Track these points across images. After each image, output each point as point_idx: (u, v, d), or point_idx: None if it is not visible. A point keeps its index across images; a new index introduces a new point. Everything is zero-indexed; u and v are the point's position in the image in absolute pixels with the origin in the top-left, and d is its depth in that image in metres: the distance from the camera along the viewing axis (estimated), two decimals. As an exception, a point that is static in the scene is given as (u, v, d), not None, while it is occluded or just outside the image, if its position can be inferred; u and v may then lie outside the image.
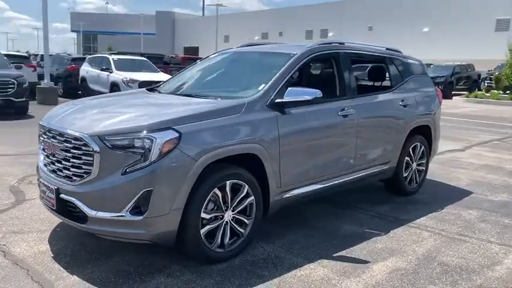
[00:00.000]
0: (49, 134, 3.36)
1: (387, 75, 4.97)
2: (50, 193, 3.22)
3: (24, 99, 11.23)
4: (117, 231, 3.01)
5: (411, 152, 5.12)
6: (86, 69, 15.88)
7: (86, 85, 15.56)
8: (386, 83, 5.03)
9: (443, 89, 22.85)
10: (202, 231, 3.17)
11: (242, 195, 3.38)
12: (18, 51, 31.51)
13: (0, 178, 5.37)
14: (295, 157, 3.76)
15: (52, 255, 3.39)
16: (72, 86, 16.85)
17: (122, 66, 14.18)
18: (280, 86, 3.69)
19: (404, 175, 5.10)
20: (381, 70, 5.09)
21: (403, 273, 3.28)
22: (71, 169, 3.12)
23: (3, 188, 4.98)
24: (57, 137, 3.24)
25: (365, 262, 3.45)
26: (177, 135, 2.97)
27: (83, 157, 3.03)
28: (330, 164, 4.11)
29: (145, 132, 2.94)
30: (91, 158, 2.98)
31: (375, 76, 5.20)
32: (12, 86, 11.05)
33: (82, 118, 3.32)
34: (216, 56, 4.84)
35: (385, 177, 4.96)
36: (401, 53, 5.39)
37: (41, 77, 15.40)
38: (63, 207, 3.16)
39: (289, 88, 3.66)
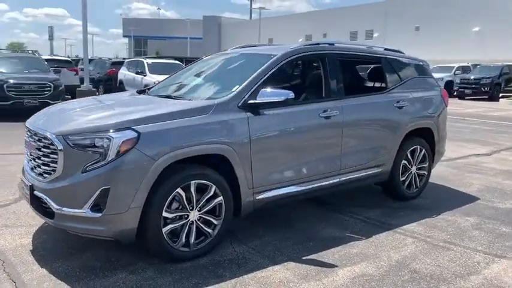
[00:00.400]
0: (28, 133, 3.55)
1: (382, 76, 4.83)
2: (26, 190, 3.40)
3: (60, 101, 11.83)
4: (80, 228, 3.14)
5: (409, 155, 4.95)
6: (124, 73, 16.49)
7: (123, 88, 16.15)
8: (382, 84, 4.88)
9: (489, 90, 21.83)
10: (165, 230, 3.23)
11: (209, 196, 3.42)
12: (77, 56, 33.38)
13: (13, 175, 5.69)
14: (269, 158, 3.75)
15: (31, 248, 3.58)
16: (112, 89, 17.52)
17: (155, 69, 14.60)
18: (255, 87, 3.70)
19: (402, 179, 4.93)
20: (374, 71, 4.96)
21: (368, 279, 3.19)
22: (42, 167, 3.28)
23: (12, 185, 5.28)
24: (33, 136, 3.42)
25: (332, 266, 3.38)
26: (135, 135, 3.06)
27: (51, 155, 3.19)
28: (311, 166, 4.06)
29: (103, 132, 3.05)
30: (56, 156, 3.13)
31: (368, 77, 5.07)
32: (49, 88, 11.71)
33: (56, 118, 3.49)
34: (208, 58, 4.91)
35: (379, 181, 4.82)
36: (402, 53, 5.23)
37: (83, 80, 16.16)
38: (37, 203, 3.33)
39: (262, 89, 3.66)
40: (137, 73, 14.89)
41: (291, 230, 4.08)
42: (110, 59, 23.18)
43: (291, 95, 3.64)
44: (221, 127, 3.45)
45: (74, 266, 3.28)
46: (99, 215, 3.03)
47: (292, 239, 3.87)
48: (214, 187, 3.42)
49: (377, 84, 4.91)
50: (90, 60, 24.70)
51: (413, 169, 5.04)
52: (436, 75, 24.15)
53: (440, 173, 6.44)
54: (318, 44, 4.41)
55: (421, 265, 3.43)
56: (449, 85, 23.61)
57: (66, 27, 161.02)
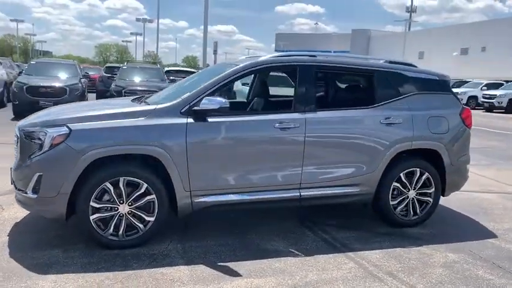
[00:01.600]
0: None
1: (373, 90, 4.48)
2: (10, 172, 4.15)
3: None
4: (26, 206, 3.75)
5: (404, 178, 4.49)
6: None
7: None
8: (371, 98, 4.52)
9: None
10: (92, 217, 3.63)
11: (139, 193, 3.72)
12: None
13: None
14: (210, 164, 3.88)
15: (17, 220, 4.32)
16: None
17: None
18: (203, 95, 3.89)
19: (393, 203, 4.50)
20: (364, 85, 4.63)
21: (254, 293, 3.13)
22: (15, 153, 3.99)
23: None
24: None
25: (236, 275, 3.38)
26: (67, 131, 3.54)
27: (16, 144, 3.87)
28: (262, 177, 4.04)
29: (44, 126, 3.61)
30: (17, 145, 3.79)
31: (356, 91, 4.73)
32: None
33: (34, 116, 4.18)
34: (208, 67, 5.21)
35: (360, 202, 4.50)
36: (412, 67, 4.78)
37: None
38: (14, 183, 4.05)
39: (205, 97, 3.84)
40: (243, 84, 15.78)
41: (239, 238, 4.12)
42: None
43: (224, 103, 3.75)
44: (155, 130, 3.72)
45: (32, 239, 3.90)
46: (35, 196, 3.58)
47: (230, 246, 3.92)
48: (145, 185, 3.71)
49: (365, 99, 4.56)
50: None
51: (411, 194, 4.56)
52: None
53: (485, 204, 5.63)
54: (291, 56, 4.37)
55: (327, 290, 3.20)
56: None
57: (234, 42, 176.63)
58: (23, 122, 3.94)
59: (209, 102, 3.79)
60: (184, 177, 3.80)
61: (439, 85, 4.77)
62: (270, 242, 4.07)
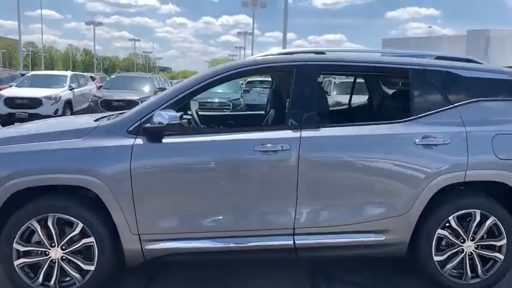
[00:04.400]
0: None
1: (406, 97, 3.17)
2: None
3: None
4: None
5: (454, 223, 3.10)
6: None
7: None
8: (404, 108, 3.19)
9: None
10: (17, 263, 2.91)
11: (73, 234, 2.92)
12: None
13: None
14: (164, 199, 2.96)
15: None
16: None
17: (339, 89, 14.13)
18: (158, 108, 2.99)
19: (438, 259, 3.12)
20: (389, 90, 3.30)
21: None
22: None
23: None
24: None
25: None
26: None
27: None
28: (238, 218, 2.99)
29: None
30: None
31: (376, 99, 3.40)
32: (228, 106, 12.79)
33: None
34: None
35: (387, 255, 3.18)
36: (473, 62, 3.37)
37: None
38: None
39: (156, 111, 2.92)
40: (324, 93, 14.72)
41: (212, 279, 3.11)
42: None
43: (174, 118, 2.81)
44: (89, 154, 2.89)
45: None
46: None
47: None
48: (81, 225, 2.90)
49: (395, 110, 3.24)
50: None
51: (468, 246, 3.13)
52: None
53: None
54: (293, 53, 3.29)
55: None
56: None
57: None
58: None
59: (158, 117, 2.86)
60: (129, 215, 2.91)
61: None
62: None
